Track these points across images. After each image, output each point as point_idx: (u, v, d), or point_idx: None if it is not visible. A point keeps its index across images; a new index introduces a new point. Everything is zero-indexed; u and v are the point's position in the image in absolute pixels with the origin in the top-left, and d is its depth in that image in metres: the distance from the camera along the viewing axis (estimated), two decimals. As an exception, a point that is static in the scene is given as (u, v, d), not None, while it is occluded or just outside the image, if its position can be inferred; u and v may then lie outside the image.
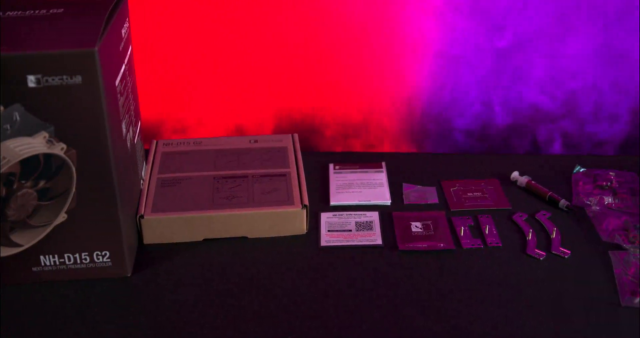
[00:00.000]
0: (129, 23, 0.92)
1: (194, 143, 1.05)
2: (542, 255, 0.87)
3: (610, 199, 0.97)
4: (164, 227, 0.89)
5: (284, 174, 0.97)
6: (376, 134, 1.19)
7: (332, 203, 0.98)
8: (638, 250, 0.86)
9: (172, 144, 1.05)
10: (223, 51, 1.13)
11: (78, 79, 0.73)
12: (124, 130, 0.85)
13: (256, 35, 1.12)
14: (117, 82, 0.81)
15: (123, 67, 0.86)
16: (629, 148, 1.18)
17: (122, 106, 0.84)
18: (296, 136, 1.07)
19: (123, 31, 0.88)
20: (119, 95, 0.82)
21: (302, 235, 0.92)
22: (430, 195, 1.00)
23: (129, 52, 0.91)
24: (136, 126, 0.94)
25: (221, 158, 1.01)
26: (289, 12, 1.11)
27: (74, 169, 0.77)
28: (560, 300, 0.80)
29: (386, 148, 1.19)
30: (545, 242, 0.90)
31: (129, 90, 0.89)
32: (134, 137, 0.91)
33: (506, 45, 1.12)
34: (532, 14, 1.10)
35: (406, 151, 1.19)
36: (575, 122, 1.16)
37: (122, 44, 0.87)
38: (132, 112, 0.91)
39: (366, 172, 1.04)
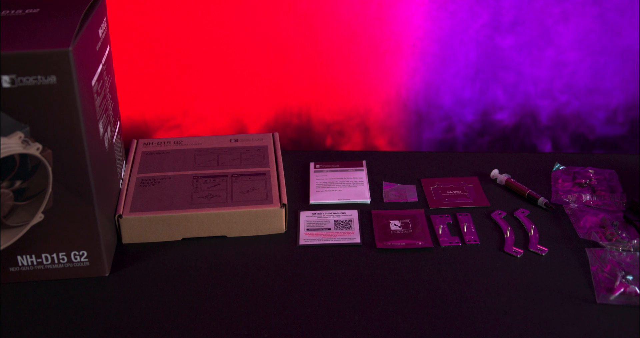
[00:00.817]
0: (107, 23, 0.92)
1: (174, 142, 1.05)
2: (520, 253, 0.88)
3: (588, 197, 0.97)
4: (142, 227, 0.89)
5: (263, 173, 0.97)
6: (373, 132, 1.19)
7: (312, 201, 0.98)
8: (615, 247, 0.87)
9: (152, 143, 1.05)
10: (219, 50, 1.13)
11: (53, 79, 0.73)
12: (101, 130, 0.85)
13: (251, 34, 1.12)
14: (93, 82, 0.81)
15: (100, 67, 0.86)
16: (628, 145, 1.18)
17: (99, 106, 0.84)
18: (277, 134, 1.07)
19: (100, 31, 0.88)
20: (95, 95, 0.82)
21: (281, 233, 0.92)
22: (410, 193, 1.00)
23: (106, 52, 0.91)
24: (115, 125, 0.94)
25: (201, 157, 1.01)
26: (283, 12, 1.11)
27: (50, 169, 0.77)
28: (537, 297, 0.81)
29: (383, 144, 1.19)
30: (523, 240, 0.90)
31: (107, 90, 0.89)
32: (112, 136, 0.91)
33: (504, 42, 1.12)
34: (531, 11, 1.10)
35: (404, 149, 1.19)
36: (574, 120, 1.17)
37: (99, 44, 0.86)
38: (111, 112, 0.91)
39: (346, 171, 1.04)
